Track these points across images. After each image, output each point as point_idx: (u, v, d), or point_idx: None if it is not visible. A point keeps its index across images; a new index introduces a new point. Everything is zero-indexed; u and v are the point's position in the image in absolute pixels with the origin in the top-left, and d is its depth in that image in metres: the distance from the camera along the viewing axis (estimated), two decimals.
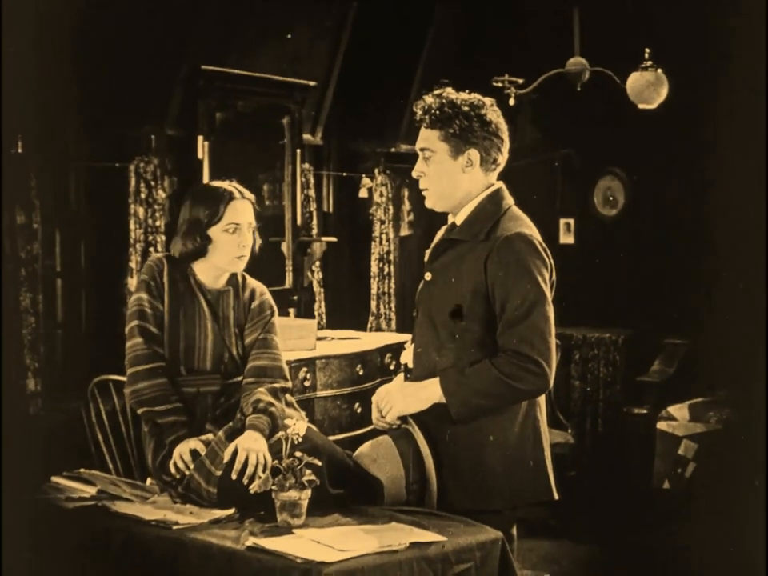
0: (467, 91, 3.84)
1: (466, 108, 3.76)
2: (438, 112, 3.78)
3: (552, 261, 3.75)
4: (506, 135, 3.82)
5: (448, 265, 3.77)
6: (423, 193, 3.86)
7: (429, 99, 3.80)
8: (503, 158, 3.83)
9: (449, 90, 3.82)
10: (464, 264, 3.73)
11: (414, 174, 3.85)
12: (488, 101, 3.83)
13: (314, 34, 7.81)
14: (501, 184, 3.84)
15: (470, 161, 3.78)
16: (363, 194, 8.54)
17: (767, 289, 4.62)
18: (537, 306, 3.64)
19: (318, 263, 7.86)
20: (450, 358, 3.72)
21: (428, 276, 3.81)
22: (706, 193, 8.18)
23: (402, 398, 3.79)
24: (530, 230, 3.73)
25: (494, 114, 3.80)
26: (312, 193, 7.93)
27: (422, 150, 3.82)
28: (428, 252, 3.90)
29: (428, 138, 3.80)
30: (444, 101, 3.78)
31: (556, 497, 3.80)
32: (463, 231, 3.78)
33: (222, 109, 7.08)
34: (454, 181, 3.80)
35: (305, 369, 6.20)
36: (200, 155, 6.86)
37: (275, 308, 4.23)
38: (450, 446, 3.73)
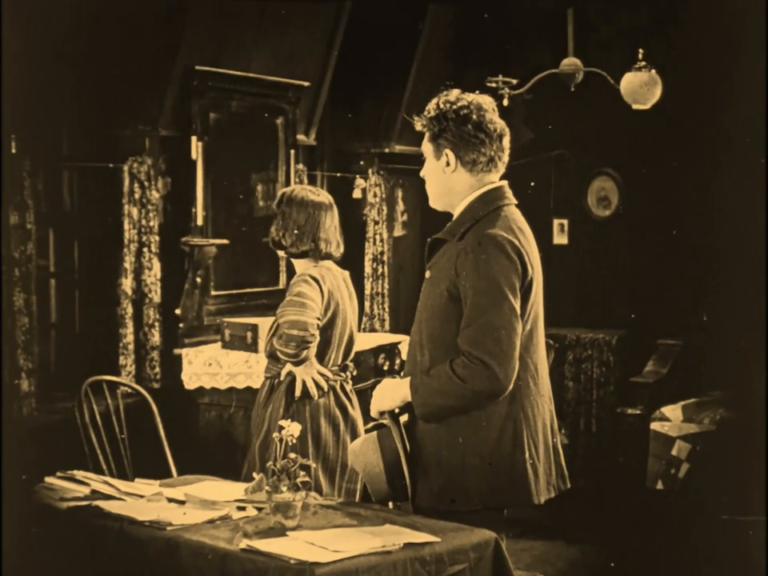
0: (477, 92, 3.86)
1: (446, 108, 3.80)
2: (427, 114, 3.83)
3: (529, 263, 3.71)
4: (494, 135, 3.81)
5: (435, 265, 3.81)
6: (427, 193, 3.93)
7: (431, 102, 3.84)
8: (487, 158, 3.81)
9: (454, 91, 3.84)
10: (442, 264, 3.76)
11: (421, 175, 3.92)
12: (484, 100, 3.83)
13: (308, 34, 7.80)
14: (500, 184, 3.84)
15: (448, 161, 3.81)
16: (357, 194, 8.54)
17: (765, 289, 4.63)
18: (493, 308, 3.62)
19: None
20: (428, 358, 3.75)
21: (427, 274, 3.84)
22: (700, 193, 8.19)
23: (380, 394, 3.86)
24: (506, 231, 3.71)
25: (479, 114, 3.79)
26: None
27: (422, 151, 3.89)
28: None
29: (424, 141, 3.87)
30: (436, 103, 3.82)
31: (538, 501, 3.78)
32: (447, 231, 3.82)
33: (216, 109, 7.08)
34: (440, 181, 3.85)
35: None
36: (194, 155, 6.86)
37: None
38: (420, 444, 3.76)
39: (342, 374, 4.97)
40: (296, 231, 4.87)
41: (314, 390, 4.82)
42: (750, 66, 4.65)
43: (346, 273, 5.05)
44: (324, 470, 4.84)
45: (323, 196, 5.00)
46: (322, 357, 4.88)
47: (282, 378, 4.88)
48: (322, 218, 4.91)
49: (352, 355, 5.03)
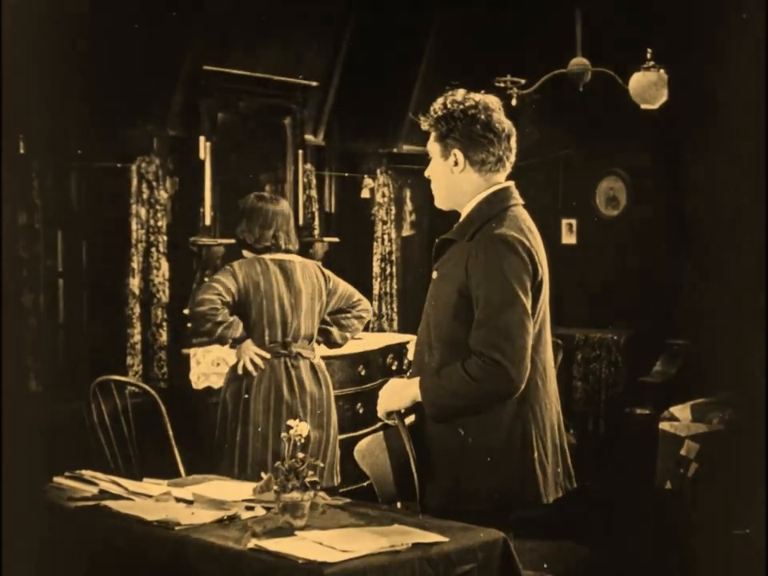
0: (482, 91, 3.85)
1: (454, 108, 3.79)
2: (434, 114, 3.82)
3: (539, 263, 3.71)
4: (502, 135, 3.81)
5: (444, 265, 3.80)
6: (433, 193, 3.92)
7: (437, 102, 3.83)
8: (495, 158, 3.80)
9: (460, 91, 3.84)
10: (451, 264, 3.75)
11: (426, 175, 3.91)
12: (491, 100, 3.83)
13: (316, 34, 7.81)
14: (507, 184, 3.83)
15: (456, 161, 3.80)
16: (365, 194, 8.54)
17: (767, 289, 4.62)
18: (505, 308, 3.62)
19: (319, 263, 7.86)
20: (437, 358, 3.74)
21: (434, 275, 3.84)
22: (708, 193, 8.18)
23: (388, 394, 3.84)
24: (516, 231, 3.70)
25: (487, 114, 3.79)
26: (314, 193, 7.93)
27: (428, 151, 3.88)
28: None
29: (429, 140, 3.87)
30: (442, 103, 3.82)
31: (546, 500, 3.77)
32: (456, 231, 3.81)
33: (224, 109, 7.09)
34: (447, 181, 3.84)
35: None
36: (202, 155, 6.87)
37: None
38: (429, 444, 3.75)
39: (284, 350, 5.61)
40: (257, 230, 5.65)
41: (250, 367, 5.55)
42: (755, 66, 4.65)
43: (309, 262, 5.86)
44: (254, 436, 5.50)
45: (281, 204, 5.79)
46: (255, 335, 5.57)
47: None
48: (279, 219, 5.69)
49: (295, 331, 5.64)
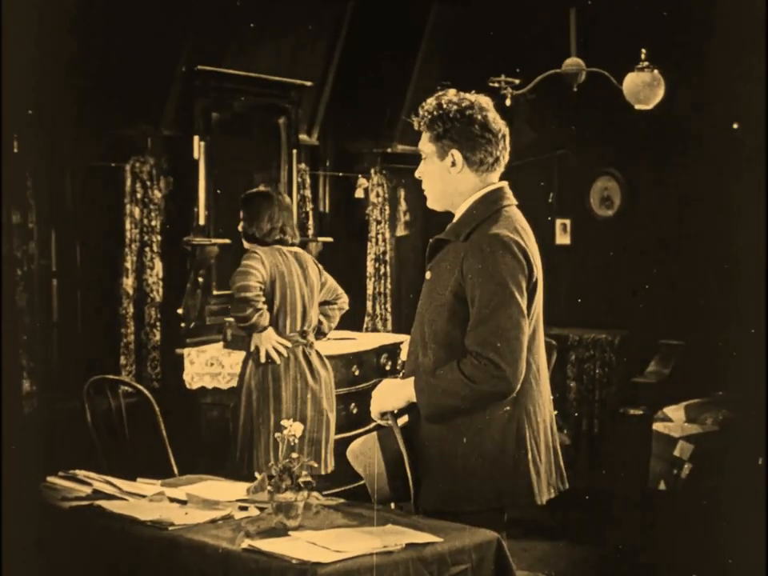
0: (473, 92, 3.85)
1: (451, 108, 3.78)
2: (429, 114, 3.81)
3: (534, 263, 3.71)
4: (499, 135, 3.81)
5: (438, 265, 3.79)
6: (425, 193, 3.91)
7: (428, 102, 3.83)
8: (493, 158, 3.80)
9: (451, 91, 3.83)
10: (446, 264, 3.75)
11: (416, 175, 3.89)
12: (483, 100, 3.83)
13: (311, 33, 7.80)
14: (501, 184, 3.83)
15: (454, 161, 3.79)
16: (359, 194, 8.53)
17: (766, 289, 4.62)
18: (501, 308, 3.62)
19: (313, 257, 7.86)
20: (431, 358, 3.73)
21: (428, 275, 3.83)
22: (703, 193, 8.18)
23: (382, 395, 3.84)
24: (511, 231, 3.70)
25: (483, 114, 3.79)
26: (308, 193, 7.93)
27: (421, 151, 3.86)
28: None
29: (423, 140, 3.86)
30: (437, 103, 3.81)
31: (540, 501, 3.77)
32: (450, 231, 3.80)
33: (218, 109, 7.08)
34: (443, 181, 3.83)
35: None
36: (196, 155, 6.86)
37: None
38: (423, 445, 3.75)
39: (303, 339, 5.85)
40: (266, 224, 5.83)
41: (274, 356, 5.73)
42: (752, 65, 4.65)
43: (308, 255, 6.08)
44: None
45: (286, 199, 6.02)
46: (277, 323, 5.77)
47: (252, 350, 5.79)
48: (285, 214, 5.89)
49: (310, 321, 5.90)
